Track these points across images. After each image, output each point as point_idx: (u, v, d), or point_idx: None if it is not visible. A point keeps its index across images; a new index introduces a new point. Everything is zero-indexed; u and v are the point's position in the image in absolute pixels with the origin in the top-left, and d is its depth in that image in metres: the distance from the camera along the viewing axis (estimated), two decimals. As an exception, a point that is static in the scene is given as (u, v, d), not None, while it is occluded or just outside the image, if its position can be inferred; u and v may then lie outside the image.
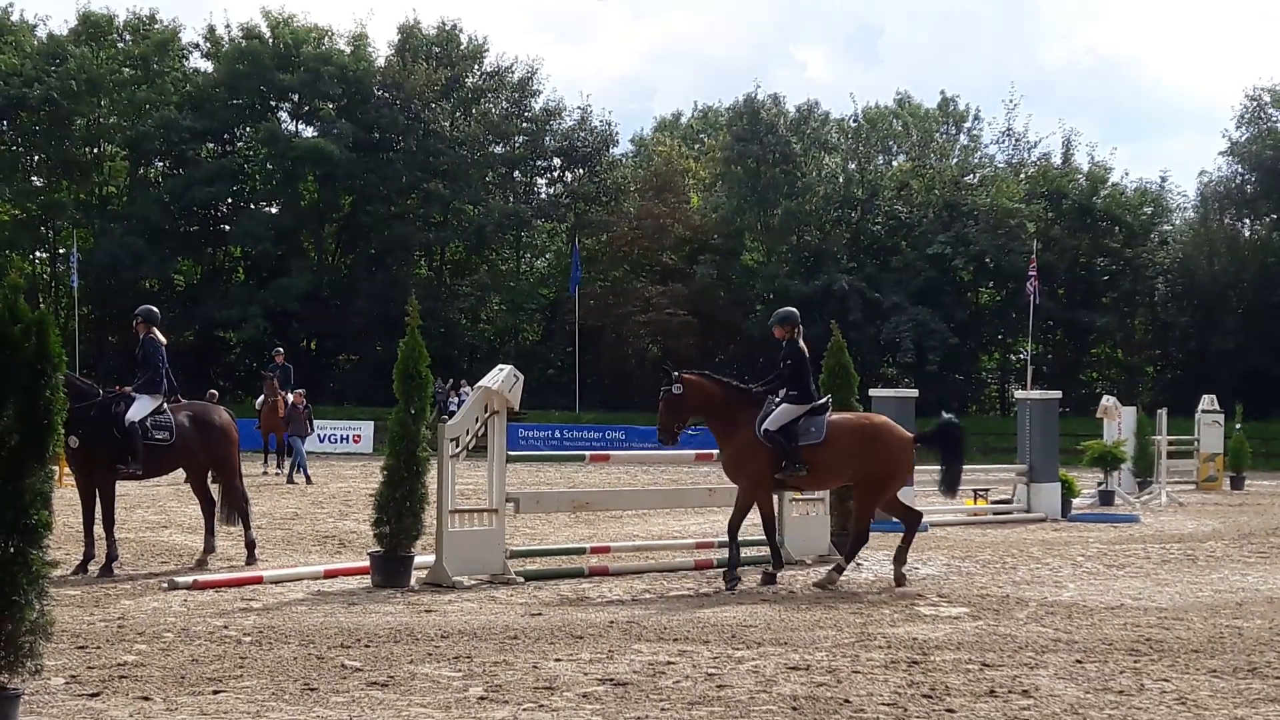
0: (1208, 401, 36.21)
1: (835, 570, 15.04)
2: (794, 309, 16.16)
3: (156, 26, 63.28)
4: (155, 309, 16.72)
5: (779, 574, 15.25)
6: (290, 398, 33.35)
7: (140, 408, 15.45)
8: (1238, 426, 36.85)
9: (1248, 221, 62.89)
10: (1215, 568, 17.36)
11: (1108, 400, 32.13)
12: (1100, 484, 28.50)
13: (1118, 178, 63.35)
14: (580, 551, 16.66)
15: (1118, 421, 31.12)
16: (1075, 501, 25.89)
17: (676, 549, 17.33)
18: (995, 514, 24.85)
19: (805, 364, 15.36)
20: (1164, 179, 64.91)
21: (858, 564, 16.91)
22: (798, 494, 16.76)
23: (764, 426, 15.03)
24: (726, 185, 63.61)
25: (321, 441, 45.72)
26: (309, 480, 30.81)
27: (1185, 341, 59.92)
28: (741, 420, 15.26)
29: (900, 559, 15.21)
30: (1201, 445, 35.24)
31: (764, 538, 15.58)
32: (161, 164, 64.18)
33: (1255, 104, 61.00)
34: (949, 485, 15.65)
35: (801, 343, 15.47)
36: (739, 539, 15.29)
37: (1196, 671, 10.24)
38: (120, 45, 62.98)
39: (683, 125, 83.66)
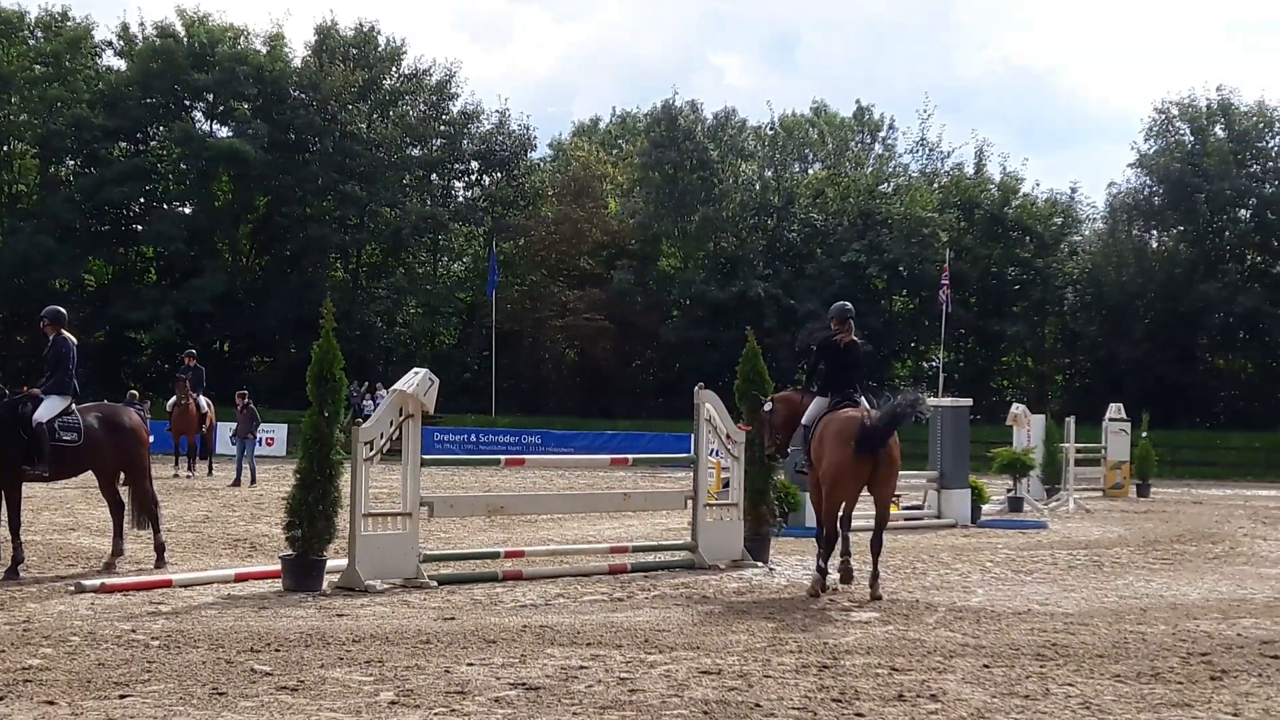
0: (1115, 410, 36.70)
1: (819, 574, 14.77)
2: (847, 303, 16.14)
3: (69, 24, 62.46)
4: (62, 309, 16.50)
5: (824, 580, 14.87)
6: (203, 400, 33.12)
7: (48, 408, 15.26)
8: (1144, 435, 37.37)
9: (1155, 233, 63.74)
10: (1120, 574, 17.60)
11: (1017, 408, 32.47)
12: (1010, 491, 28.83)
13: (1029, 188, 64.22)
14: (494, 556, 16.65)
15: (1027, 429, 31.46)
16: (985, 508, 26.17)
17: (591, 553, 17.33)
18: (906, 520, 25.02)
19: (834, 357, 15.39)
20: (1074, 190, 66.03)
21: (771, 569, 17.03)
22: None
23: (802, 421, 15.41)
24: (644, 191, 63.71)
25: (233, 444, 45.28)
26: (254, 480, 30.76)
27: (1094, 350, 60.68)
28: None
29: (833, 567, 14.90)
30: (1109, 453, 35.72)
31: (671, 542, 15.58)
32: (73, 162, 63.34)
33: (1164, 117, 61.91)
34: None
35: (840, 338, 15.45)
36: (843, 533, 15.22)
37: (1101, 676, 10.39)
38: (31, 42, 62.08)
39: (601, 130, 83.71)
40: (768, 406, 15.79)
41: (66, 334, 15.97)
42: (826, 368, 15.41)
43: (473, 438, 50.80)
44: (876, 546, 14.81)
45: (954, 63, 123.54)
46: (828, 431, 14.78)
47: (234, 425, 32.78)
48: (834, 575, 14.87)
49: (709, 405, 17.25)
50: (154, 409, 37.89)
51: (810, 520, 21.80)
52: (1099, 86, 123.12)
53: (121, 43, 63.41)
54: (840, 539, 15.10)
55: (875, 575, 14.65)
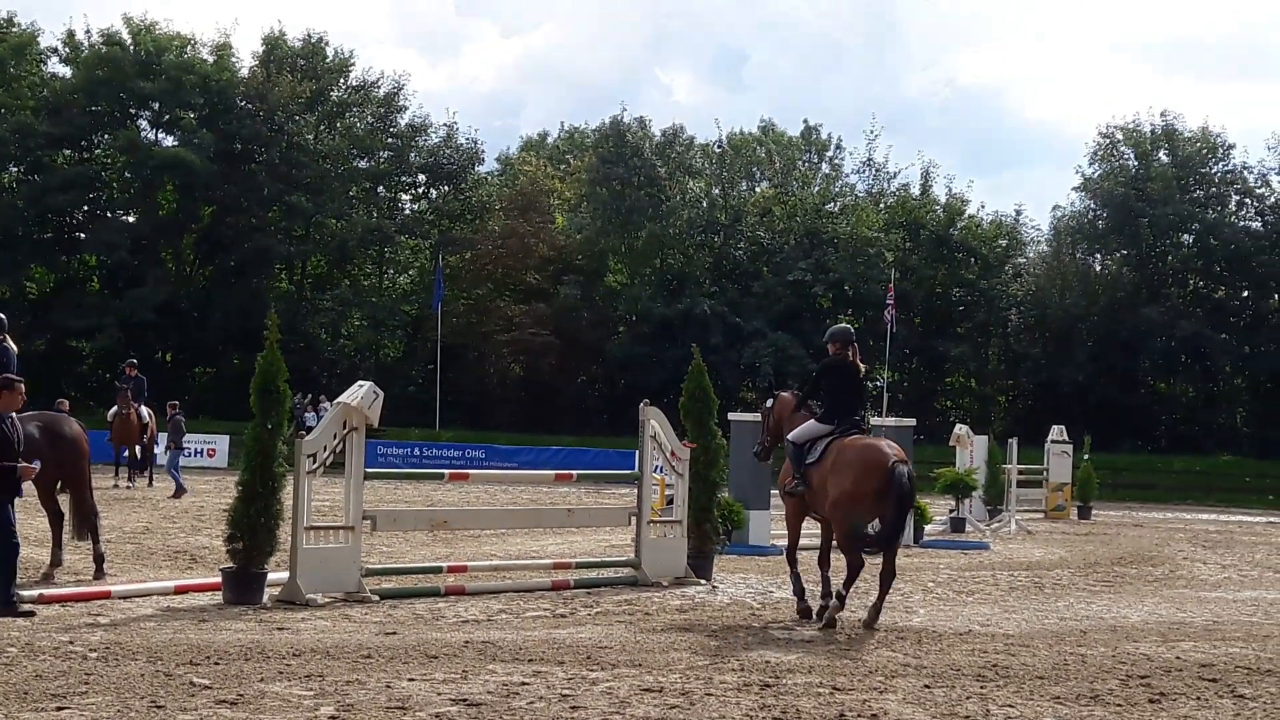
0: (1057, 432, 36.98)
1: (836, 601, 14.25)
2: (847, 326, 15.69)
3: (13, 30, 61.89)
4: (3, 316, 16.32)
5: (804, 605, 14.71)
6: (144, 410, 32.88)
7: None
8: (1086, 457, 37.65)
9: (1099, 256, 64.37)
10: (1061, 595, 17.71)
11: (960, 429, 32.62)
12: (952, 511, 28.97)
13: (974, 209, 64.72)
14: (437, 570, 16.58)
15: (970, 450, 31.62)
16: (927, 528, 26.29)
17: (534, 569, 17.29)
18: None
19: (837, 381, 14.92)
20: (1019, 212, 66.60)
21: (714, 587, 17.04)
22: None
23: (788, 436, 14.92)
24: (591, 206, 63.76)
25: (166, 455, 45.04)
26: (180, 491, 30.62)
27: (1037, 373, 61.13)
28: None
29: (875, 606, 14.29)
30: (1051, 475, 35.96)
31: (615, 559, 15.51)
32: (16, 169, 62.75)
33: (1108, 141, 62.58)
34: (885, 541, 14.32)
35: (846, 360, 15.05)
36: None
37: (1041, 698, 10.43)
38: (-25, 49, 61.58)
39: (549, 145, 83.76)
40: (767, 403, 15.57)
41: (8, 342, 15.79)
42: (830, 390, 14.91)
43: (416, 451, 50.61)
44: (888, 578, 14.33)
45: (900, 83, 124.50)
46: (850, 459, 14.18)
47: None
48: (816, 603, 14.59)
49: (654, 422, 17.25)
50: (94, 419, 37.61)
51: (753, 538, 21.91)
52: (1044, 109, 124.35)
53: (67, 50, 62.91)
54: (822, 579, 14.74)
55: (878, 606, 14.21)
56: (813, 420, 14.83)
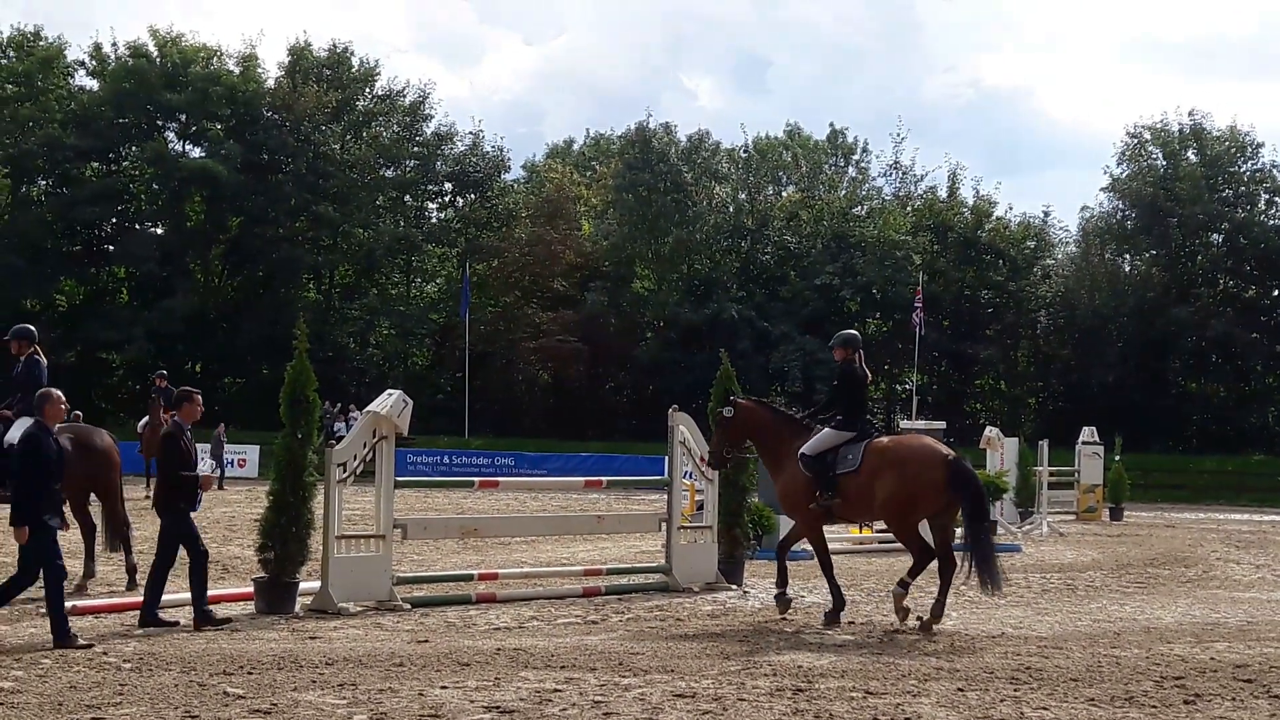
0: (1088, 433, 36.80)
1: (899, 585, 14.51)
2: (855, 332, 15.68)
3: (41, 43, 62.28)
4: (32, 328, 16.35)
5: (841, 614, 14.64)
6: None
7: (19, 428, 15.13)
8: (1117, 458, 37.47)
9: (1128, 257, 64.03)
10: (1094, 597, 17.63)
11: (991, 431, 32.50)
12: (983, 514, 28.79)
13: (1002, 211, 64.42)
14: (468, 578, 16.58)
15: (1000, 452, 31.50)
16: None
17: (565, 576, 17.31)
18: (880, 543, 25.01)
19: (856, 388, 14.90)
20: (1047, 214, 66.02)
21: (745, 592, 17.02)
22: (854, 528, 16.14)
23: (802, 451, 14.63)
24: (618, 213, 63.76)
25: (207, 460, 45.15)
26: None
27: (1066, 374, 60.86)
28: (788, 450, 14.88)
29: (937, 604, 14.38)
30: (1082, 476, 35.78)
31: (645, 565, 15.50)
32: (45, 182, 63.11)
33: (1136, 141, 62.26)
34: (986, 576, 14.31)
35: (861, 366, 14.99)
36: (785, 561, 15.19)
37: (1075, 700, 10.39)
38: (3, 61, 61.94)
39: (574, 152, 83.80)
40: (728, 411, 15.27)
41: (39, 354, 15.84)
42: (849, 398, 14.87)
43: (445, 460, 50.67)
44: (948, 574, 14.49)
45: (923, 86, 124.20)
46: (903, 456, 14.33)
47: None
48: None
49: (683, 427, 17.24)
50: (124, 430, 37.74)
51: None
52: (1070, 110, 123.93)
53: (94, 62, 63.27)
54: (781, 570, 15.06)
55: (941, 603, 14.33)
56: (829, 429, 14.72)
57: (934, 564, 14.66)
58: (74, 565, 16.91)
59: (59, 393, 13.04)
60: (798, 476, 14.73)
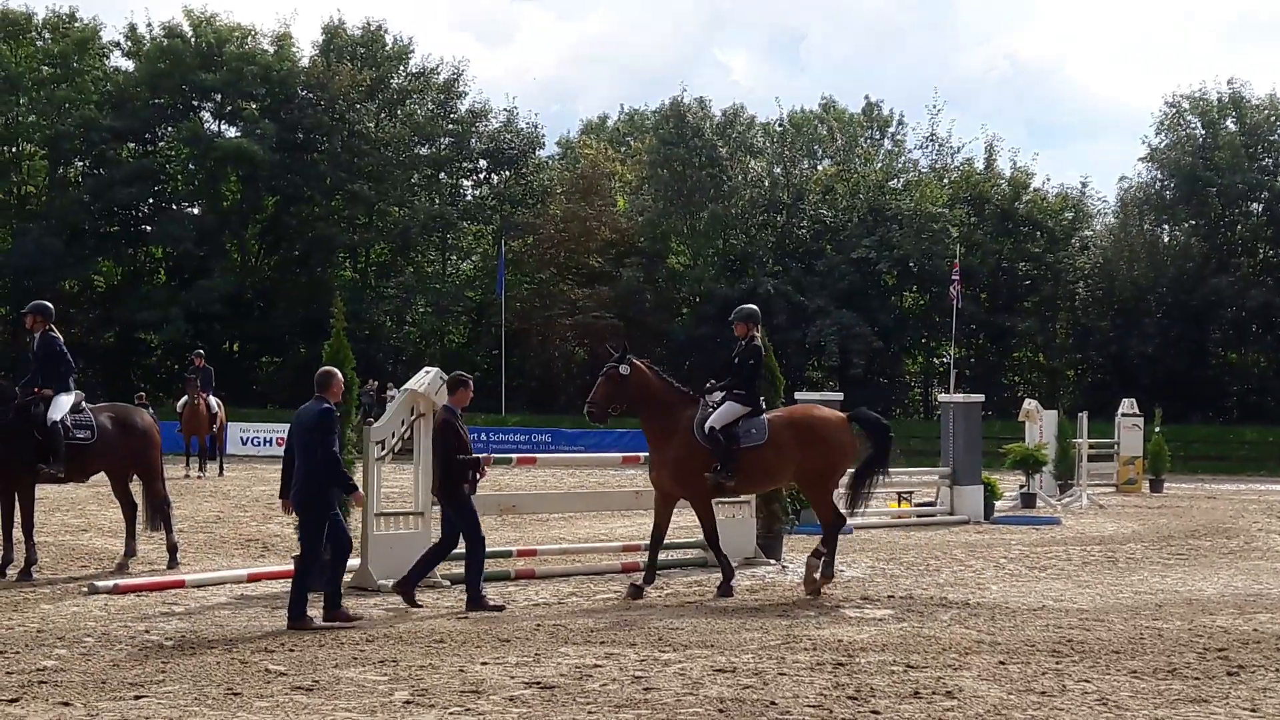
0: (1127, 405, 36.58)
1: (825, 566, 14.65)
2: (755, 306, 15.82)
3: (76, 24, 62.41)
4: (49, 304, 16.36)
5: (732, 584, 14.77)
6: (213, 400, 33.11)
7: (59, 406, 15.21)
8: (1157, 430, 37.24)
9: (1166, 227, 63.59)
10: (1135, 570, 17.55)
11: (1029, 404, 32.36)
12: (1022, 487, 28.74)
13: (1039, 183, 63.95)
14: (507, 555, 16.62)
15: (1039, 425, 31.36)
16: (998, 504, 26.11)
17: (603, 552, 17.32)
18: (919, 516, 25.01)
19: (761, 363, 15.06)
20: (1084, 185, 65.51)
21: (784, 566, 17.00)
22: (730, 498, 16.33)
23: (708, 424, 14.54)
24: (652, 188, 63.61)
25: (244, 444, 45.46)
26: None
27: (1105, 345, 60.50)
28: (679, 421, 14.73)
29: (825, 562, 14.72)
30: (1121, 448, 35.58)
31: (684, 540, 15.49)
32: (81, 164, 63.32)
33: (1174, 111, 61.74)
34: (856, 492, 15.24)
35: (759, 341, 15.15)
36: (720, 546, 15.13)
37: (1117, 672, 10.34)
38: (39, 43, 62.05)
39: (609, 128, 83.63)
40: (624, 369, 14.75)
41: (53, 330, 15.86)
42: (753, 373, 14.95)
43: (483, 436, 50.73)
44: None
45: (958, 58, 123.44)
46: (815, 424, 14.96)
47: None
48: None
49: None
50: (163, 409, 37.94)
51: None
52: (1107, 80, 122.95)
53: (129, 43, 63.34)
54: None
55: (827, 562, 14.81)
56: (731, 403, 14.69)
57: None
58: (115, 544, 17.03)
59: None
60: (694, 449, 14.57)
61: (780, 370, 18.45)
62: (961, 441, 25.47)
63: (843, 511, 15.23)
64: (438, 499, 13.88)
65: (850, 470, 15.28)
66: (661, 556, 16.91)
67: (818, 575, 14.58)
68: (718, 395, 14.83)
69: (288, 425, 43.61)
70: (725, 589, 14.63)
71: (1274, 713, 9.19)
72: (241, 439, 45.22)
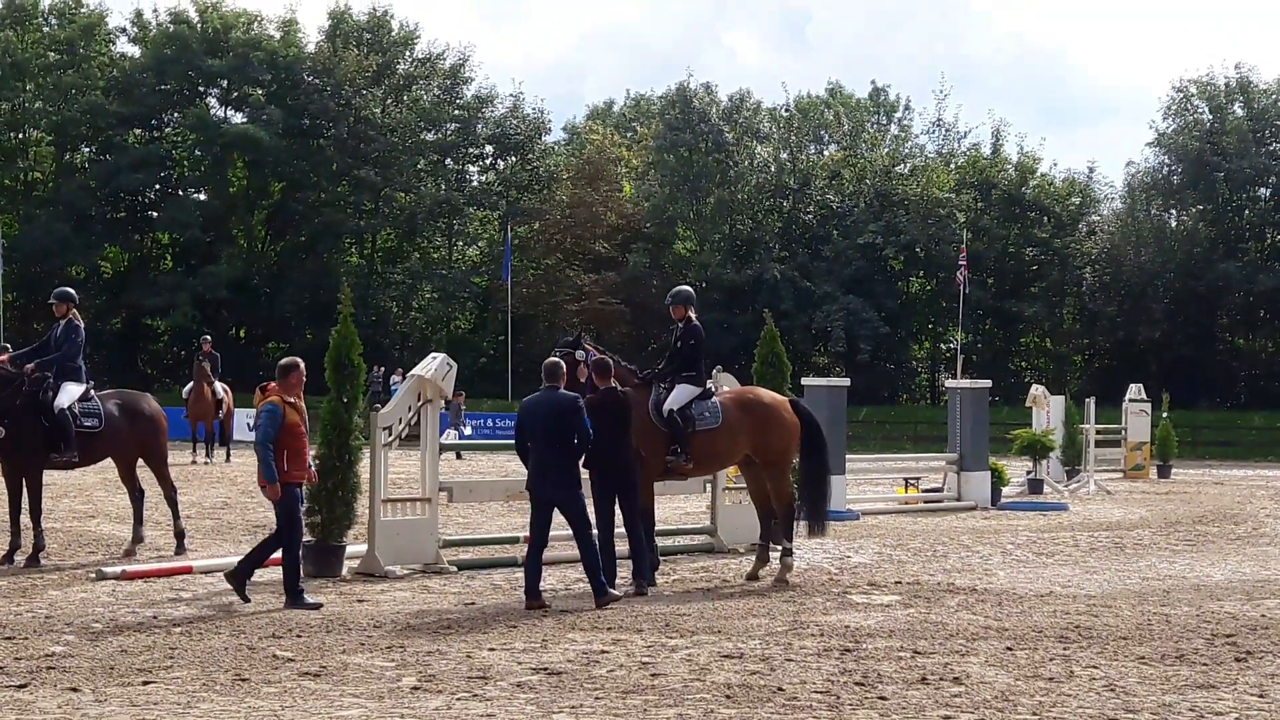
0: (1135, 390, 36.53)
1: (785, 556, 14.62)
2: (689, 288, 15.69)
3: (82, 10, 62.44)
4: (74, 291, 16.51)
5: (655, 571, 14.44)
6: (220, 386, 33.08)
7: (68, 394, 15.22)
8: (1164, 415, 37.18)
9: (1174, 212, 63.54)
10: (1143, 555, 17.53)
11: (1037, 389, 32.34)
12: (1029, 472, 28.72)
13: (1046, 168, 64.07)
14: (514, 541, 16.58)
15: (1046, 410, 31.34)
16: (1005, 490, 26.07)
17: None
18: (926, 502, 24.99)
19: (702, 344, 14.96)
20: (1091, 170, 65.73)
21: (789, 552, 16.95)
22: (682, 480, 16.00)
23: (666, 407, 14.45)
24: (659, 174, 63.62)
25: (251, 430, 45.43)
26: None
27: (1113, 331, 60.47)
28: (636, 406, 14.45)
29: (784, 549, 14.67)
30: (1129, 434, 35.54)
31: (691, 526, 15.47)
32: (88, 149, 63.46)
33: (1182, 95, 61.66)
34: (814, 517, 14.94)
35: (696, 322, 15.06)
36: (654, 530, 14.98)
37: (1125, 658, 10.33)
38: (45, 30, 62.10)
39: (615, 113, 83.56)
40: (580, 355, 14.40)
41: (77, 317, 15.92)
42: (695, 354, 14.84)
43: (490, 423, 50.73)
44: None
45: (965, 41, 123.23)
46: (767, 406, 14.93)
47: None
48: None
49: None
50: (170, 395, 37.98)
51: (830, 503, 21.78)
52: (1114, 65, 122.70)
53: (135, 29, 63.41)
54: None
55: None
56: (685, 385, 14.65)
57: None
58: (122, 530, 17.05)
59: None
60: (651, 433, 14.41)
61: (786, 356, 18.41)
62: (969, 427, 25.43)
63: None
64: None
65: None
66: (667, 543, 16.94)
67: (789, 576, 14.47)
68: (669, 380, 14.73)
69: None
70: (651, 576, 14.14)
71: (1282, 699, 9.18)
72: (248, 425, 45.07)
